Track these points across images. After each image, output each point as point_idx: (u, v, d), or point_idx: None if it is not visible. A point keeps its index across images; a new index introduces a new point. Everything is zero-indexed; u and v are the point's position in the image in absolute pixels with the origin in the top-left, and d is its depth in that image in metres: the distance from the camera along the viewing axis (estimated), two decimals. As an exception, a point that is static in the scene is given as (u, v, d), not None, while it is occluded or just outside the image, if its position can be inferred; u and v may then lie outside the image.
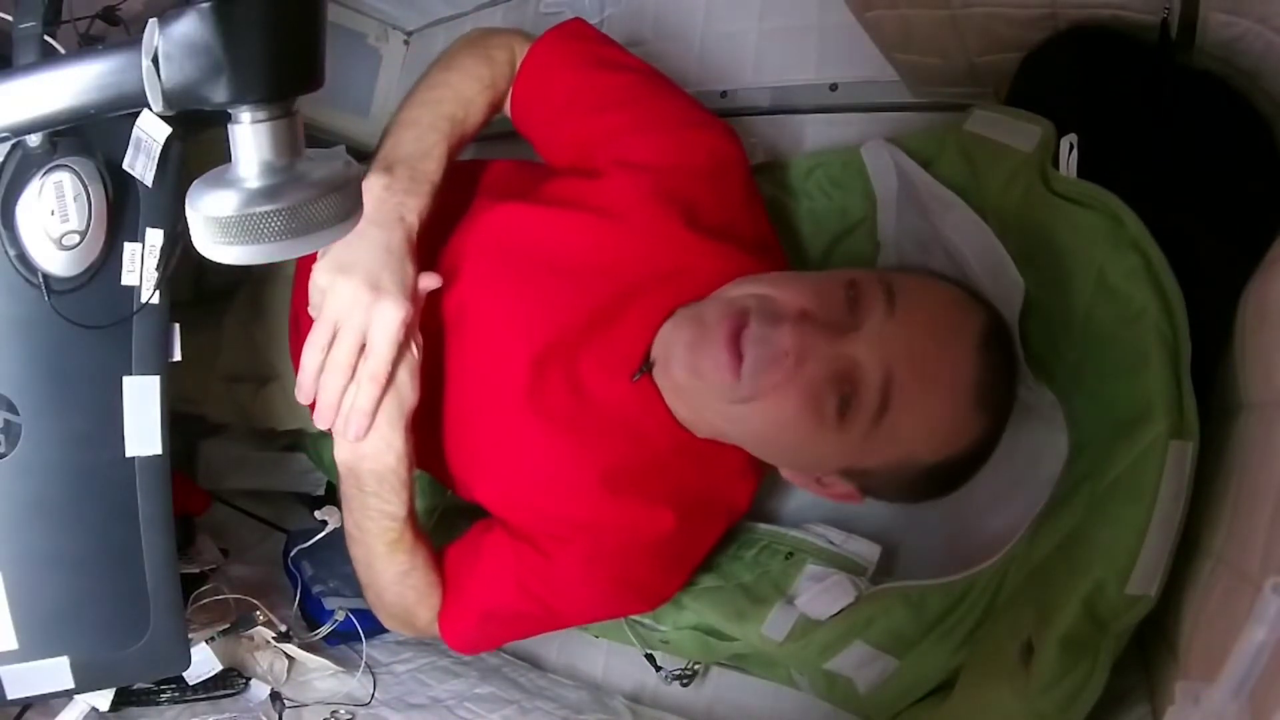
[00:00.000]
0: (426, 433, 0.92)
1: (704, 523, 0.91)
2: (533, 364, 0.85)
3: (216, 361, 1.15)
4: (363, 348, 0.79)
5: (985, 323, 0.78)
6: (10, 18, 0.67)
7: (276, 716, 0.91)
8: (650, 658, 0.99)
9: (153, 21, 0.43)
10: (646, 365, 0.85)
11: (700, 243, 0.86)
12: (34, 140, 0.70)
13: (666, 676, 0.99)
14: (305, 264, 1.05)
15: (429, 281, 0.82)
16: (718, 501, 0.91)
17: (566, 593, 0.89)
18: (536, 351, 0.85)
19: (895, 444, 0.76)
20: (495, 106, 0.94)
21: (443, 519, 1.12)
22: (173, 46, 0.43)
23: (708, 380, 0.79)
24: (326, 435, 0.84)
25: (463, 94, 0.89)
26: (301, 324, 1.05)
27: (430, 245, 0.91)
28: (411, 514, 0.87)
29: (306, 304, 1.02)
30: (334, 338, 0.79)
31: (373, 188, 0.80)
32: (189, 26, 0.42)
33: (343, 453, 0.83)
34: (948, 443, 0.77)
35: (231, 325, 1.16)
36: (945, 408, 0.75)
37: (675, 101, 0.93)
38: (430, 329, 0.88)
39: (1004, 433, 0.84)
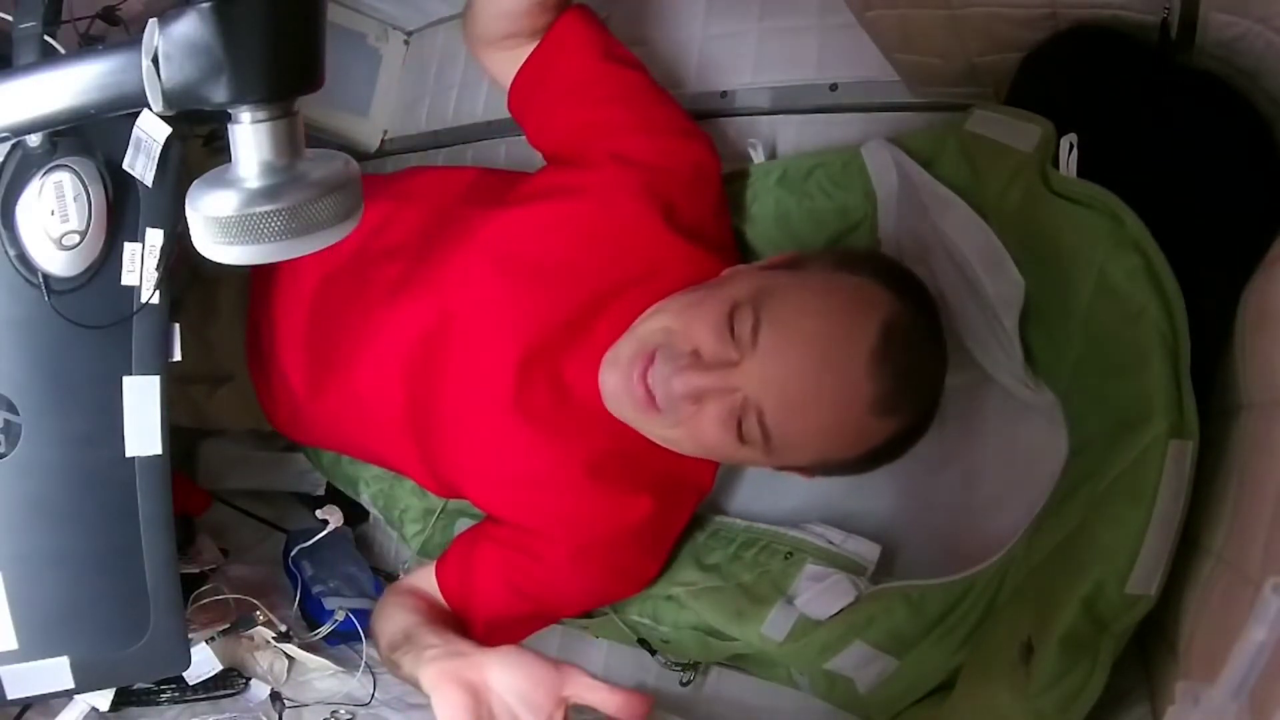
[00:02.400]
0: (416, 439, 0.93)
1: (677, 504, 0.95)
2: (519, 367, 0.88)
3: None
4: None
5: (880, 328, 0.76)
6: (10, 18, 0.67)
7: (276, 716, 0.90)
8: (644, 643, 1.00)
9: (153, 21, 0.43)
10: None
11: (673, 240, 0.91)
12: (34, 140, 0.70)
13: (665, 664, 0.99)
14: (259, 269, 1.06)
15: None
16: (688, 483, 0.95)
17: (559, 588, 0.92)
18: (522, 354, 0.88)
19: (800, 452, 0.81)
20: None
21: (442, 518, 1.12)
22: (173, 46, 0.43)
23: (638, 417, 0.84)
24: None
25: None
26: (261, 329, 1.05)
27: (420, 254, 0.92)
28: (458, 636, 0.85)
29: (266, 309, 1.03)
30: None
31: None
32: (189, 26, 0.42)
33: None
34: (857, 445, 0.80)
35: (183, 326, 1.16)
36: (834, 422, 0.77)
37: (670, 107, 0.99)
38: (421, 336, 0.90)
39: (1004, 434, 0.88)
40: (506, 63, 1.00)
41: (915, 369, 0.79)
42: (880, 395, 0.75)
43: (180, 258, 0.78)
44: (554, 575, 0.90)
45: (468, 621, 0.93)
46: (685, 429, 0.82)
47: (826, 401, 0.76)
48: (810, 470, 0.87)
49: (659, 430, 0.85)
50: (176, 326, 0.81)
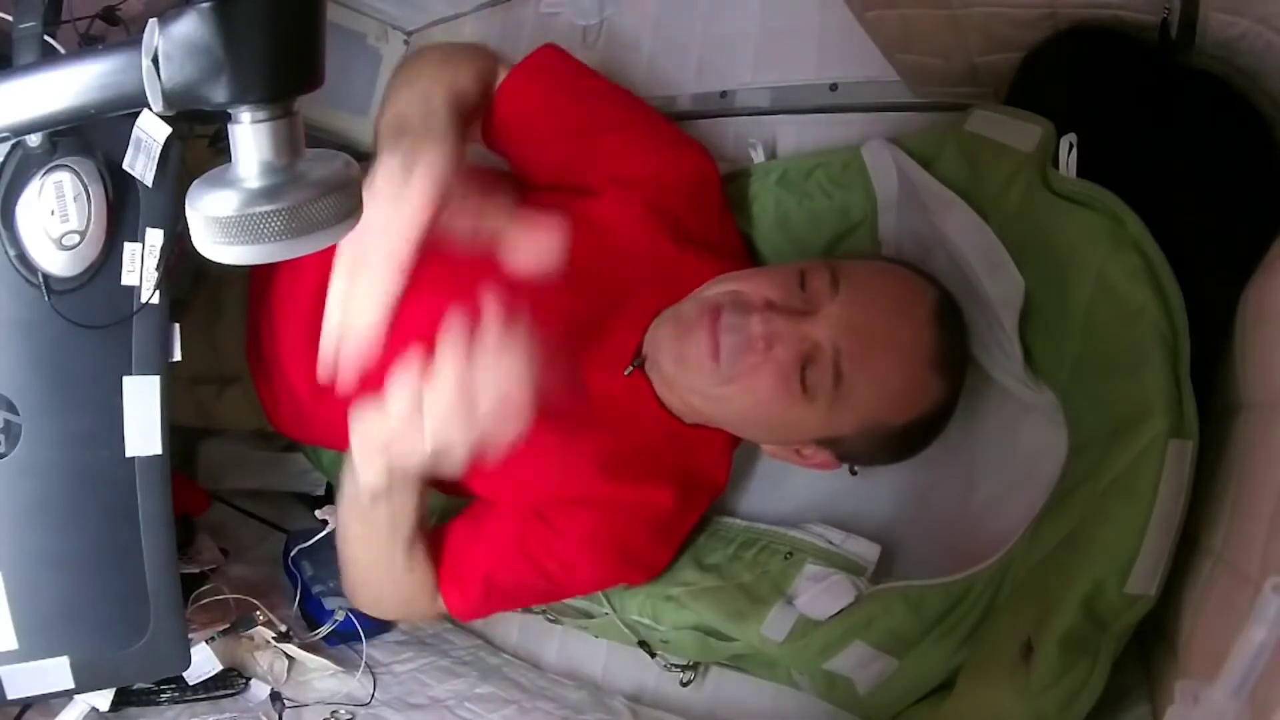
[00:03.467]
0: None
1: (693, 499, 0.96)
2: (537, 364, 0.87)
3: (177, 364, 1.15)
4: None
5: (935, 297, 0.84)
6: (10, 18, 0.67)
7: (276, 716, 0.91)
8: (644, 645, 1.00)
9: (153, 21, 0.43)
10: (638, 360, 0.90)
11: (682, 252, 0.92)
12: (34, 140, 0.70)
13: (665, 665, 0.99)
14: (259, 271, 1.06)
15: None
16: (703, 481, 0.96)
17: (569, 561, 0.92)
18: (540, 354, 0.87)
19: (859, 410, 0.82)
20: (478, 104, 0.93)
21: (443, 519, 1.12)
22: (173, 46, 0.43)
23: (692, 367, 0.84)
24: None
25: (443, 79, 0.88)
26: (261, 329, 1.05)
27: (424, 254, 0.92)
28: (422, 515, 0.88)
29: (267, 310, 1.02)
30: None
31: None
32: (189, 26, 0.42)
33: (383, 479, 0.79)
34: (909, 406, 0.83)
35: (190, 327, 1.16)
36: (900, 373, 0.81)
37: (654, 124, 0.99)
38: (427, 336, 0.89)
39: (1004, 434, 0.89)
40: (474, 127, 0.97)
41: (960, 337, 0.85)
42: (939, 350, 0.82)
43: (185, 258, 0.78)
44: (567, 547, 0.91)
45: (466, 575, 0.93)
46: (740, 384, 0.82)
47: (899, 346, 0.81)
48: (848, 444, 0.86)
49: (705, 387, 0.85)
50: (176, 326, 0.81)
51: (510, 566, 0.92)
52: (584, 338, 0.90)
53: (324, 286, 0.99)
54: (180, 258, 0.80)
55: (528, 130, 0.97)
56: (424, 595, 0.94)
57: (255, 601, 0.96)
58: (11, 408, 0.74)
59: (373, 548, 0.89)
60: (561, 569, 0.93)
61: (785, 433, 0.88)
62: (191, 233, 0.47)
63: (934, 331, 0.81)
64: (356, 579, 0.94)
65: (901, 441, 0.86)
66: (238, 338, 1.11)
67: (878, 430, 0.83)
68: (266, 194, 0.46)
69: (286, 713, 0.91)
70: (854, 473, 0.94)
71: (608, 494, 0.90)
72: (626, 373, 0.90)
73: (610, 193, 0.92)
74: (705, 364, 0.83)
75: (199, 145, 1.13)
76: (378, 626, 1.09)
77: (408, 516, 0.86)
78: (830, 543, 0.93)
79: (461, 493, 0.98)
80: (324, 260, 0.99)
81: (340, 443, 1.10)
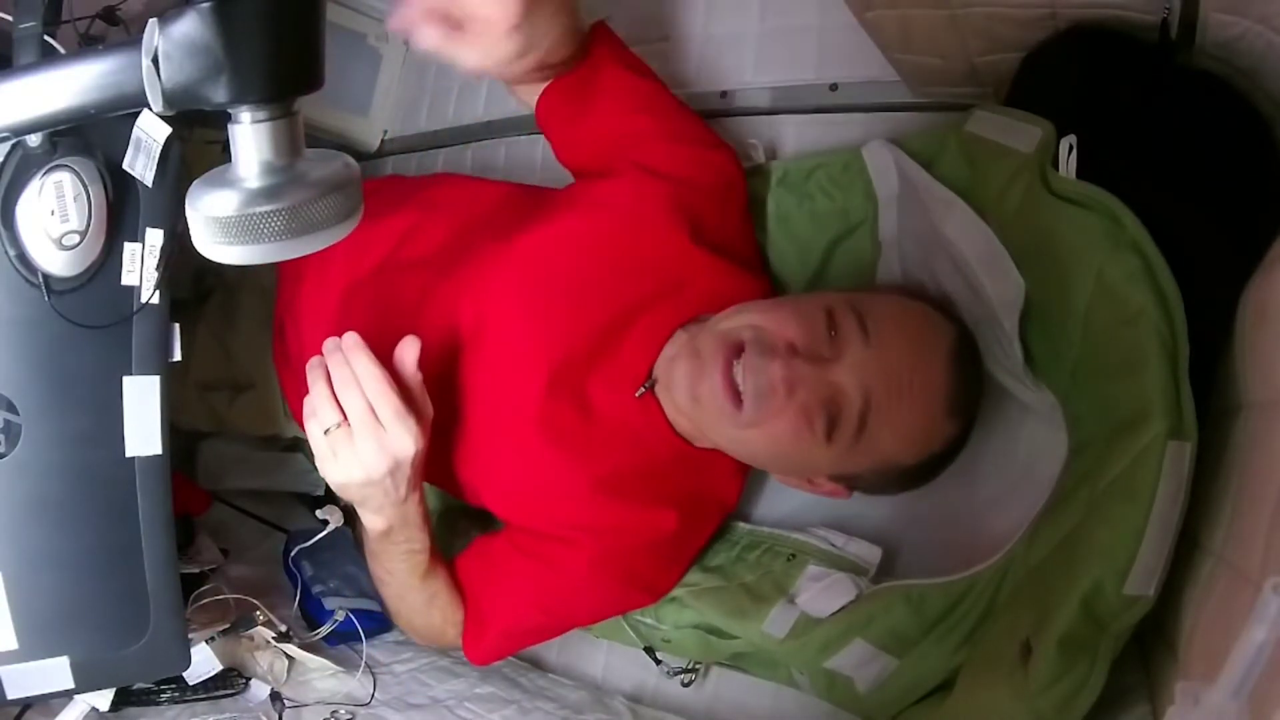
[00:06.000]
0: (440, 447, 0.93)
1: (700, 520, 0.95)
2: (546, 385, 0.88)
3: (189, 369, 1.16)
4: None
5: (954, 338, 0.84)
6: (10, 18, 0.67)
7: (276, 716, 0.90)
8: (649, 650, 0.99)
9: (153, 21, 0.43)
10: (650, 382, 0.90)
11: (701, 256, 0.91)
12: (34, 140, 0.70)
13: (667, 671, 0.99)
14: (288, 272, 1.06)
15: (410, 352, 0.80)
16: (712, 501, 0.96)
17: (577, 597, 0.93)
18: (550, 372, 0.88)
19: (876, 452, 0.83)
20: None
21: (445, 518, 1.12)
22: (173, 46, 0.43)
23: (708, 408, 0.84)
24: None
25: None
26: (286, 333, 1.05)
27: (445, 270, 0.92)
28: (433, 541, 0.91)
29: (293, 316, 1.02)
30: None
31: None
32: (189, 26, 0.42)
33: (380, 519, 0.85)
34: (923, 447, 0.84)
35: (204, 333, 1.16)
36: (919, 418, 0.82)
37: (692, 120, 0.99)
38: (450, 349, 0.90)
39: (1004, 434, 0.89)
40: (534, 91, 0.97)
41: (972, 380, 0.86)
42: (953, 395, 0.82)
43: (186, 257, 0.78)
44: (573, 584, 0.91)
45: (482, 627, 0.95)
46: (762, 428, 0.81)
47: (920, 395, 0.81)
48: (859, 481, 0.87)
49: (723, 427, 0.84)
50: (176, 326, 0.81)
51: (524, 617, 0.94)
52: (594, 356, 0.89)
53: (350, 288, 0.99)
54: (181, 257, 0.80)
55: (574, 96, 0.95)
56: (451, 628, 0.97)
57: (255, 601, 0.96)
58: (11, 408, 0.74)
59: (394, 582, 0.93)
60: (571, 607, 0.94)
61: (800, 469, 0.89)
62: (191, 233, 0.47)
63: (951, 375, 0.82)
64: (393, 609, 0.99)
65: (912, 477, 0.87)
66: (255, 346, 1.10)
67: (889, 469, 0.84)
68: (266, 194, 0.46)
69: (286, 713, 0.91)
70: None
71: (609, 516, 0.89)
72: (638, 394, 0.89)
73: (633, 176, 0.92)
74: (725, 408, 0.82)
75: (212, 151, 1.14)
76: (378, 626, 1.09)
77: (403, 557, 0.90)
78: (832, 545, 0.93)
79: (467, 497, 0.99)
80: (351, 263, 1.00)
81: None
